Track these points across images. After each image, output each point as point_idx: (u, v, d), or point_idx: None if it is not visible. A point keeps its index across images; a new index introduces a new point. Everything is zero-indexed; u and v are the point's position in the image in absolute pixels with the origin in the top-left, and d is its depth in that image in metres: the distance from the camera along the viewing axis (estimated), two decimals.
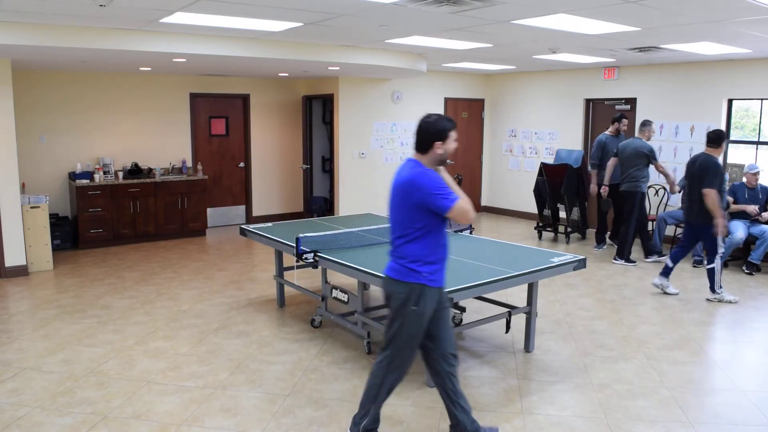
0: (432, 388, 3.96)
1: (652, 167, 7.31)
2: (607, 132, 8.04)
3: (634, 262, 7.35)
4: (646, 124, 7.42)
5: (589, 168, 8.14)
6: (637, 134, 7.57)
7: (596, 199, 8.07)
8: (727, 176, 7.19)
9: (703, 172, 5.75)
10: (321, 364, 4.37)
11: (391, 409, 3.69)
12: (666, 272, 6.12)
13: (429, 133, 2.99)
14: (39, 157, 8.11)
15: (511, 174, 10.81)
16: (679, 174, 8.00)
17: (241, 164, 9.86)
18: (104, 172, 8.19)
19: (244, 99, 9.72)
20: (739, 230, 6.93)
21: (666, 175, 7.35)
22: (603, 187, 7.76)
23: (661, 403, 3.80)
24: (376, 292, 6.07)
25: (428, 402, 3.80)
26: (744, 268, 7.00)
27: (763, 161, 7.49)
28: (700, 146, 7.98)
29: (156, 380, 4.09)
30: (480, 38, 6.14)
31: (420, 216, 2.96)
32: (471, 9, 4.63)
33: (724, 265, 7.08)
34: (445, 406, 3.24)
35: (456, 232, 5.52)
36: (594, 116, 9.55)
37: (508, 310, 4.57)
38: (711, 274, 5.90)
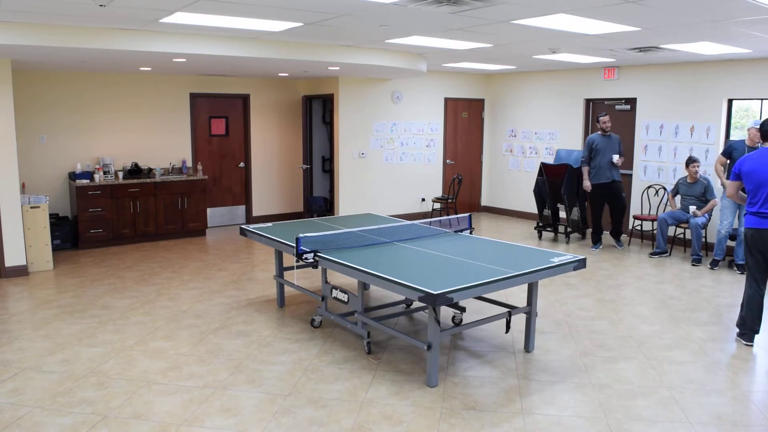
0: (432, 387, 3.97)
1: None
2: (598, 132, 8.15)
3: None
4: None
5: (581, 166, 8.22)
6: None
7: (589, 195, 8.20)
8: None
9: None
10: (321, 364, 4.37)
11: (391, 409, 3.69)
12: None
13: None
14: (39, 157, 8.11)
15: (511, 174, 10.81)
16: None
17: (241, 164, 9.86)
18: (104, 172, 8.19)
19: (244, 99, 9.72)
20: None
21: None
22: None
23: (661, 403, 3.80)
24: (376, 292, 6.07)
25: (428, 402, 3.80)
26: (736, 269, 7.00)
27: None
28: (700, 146, 8.03)
29: (156, 380, 4.09)
30: (480, 38, 6.14)
31: None
32: (471, 9, 4.63)
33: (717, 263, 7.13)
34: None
35: (456, 232, 5.52)
36: (594, 116, 9.54)
37: (508, 310, 4.56)
38: None
